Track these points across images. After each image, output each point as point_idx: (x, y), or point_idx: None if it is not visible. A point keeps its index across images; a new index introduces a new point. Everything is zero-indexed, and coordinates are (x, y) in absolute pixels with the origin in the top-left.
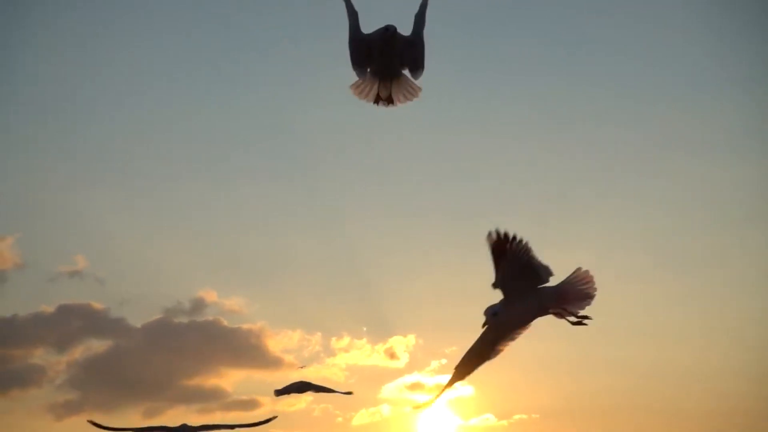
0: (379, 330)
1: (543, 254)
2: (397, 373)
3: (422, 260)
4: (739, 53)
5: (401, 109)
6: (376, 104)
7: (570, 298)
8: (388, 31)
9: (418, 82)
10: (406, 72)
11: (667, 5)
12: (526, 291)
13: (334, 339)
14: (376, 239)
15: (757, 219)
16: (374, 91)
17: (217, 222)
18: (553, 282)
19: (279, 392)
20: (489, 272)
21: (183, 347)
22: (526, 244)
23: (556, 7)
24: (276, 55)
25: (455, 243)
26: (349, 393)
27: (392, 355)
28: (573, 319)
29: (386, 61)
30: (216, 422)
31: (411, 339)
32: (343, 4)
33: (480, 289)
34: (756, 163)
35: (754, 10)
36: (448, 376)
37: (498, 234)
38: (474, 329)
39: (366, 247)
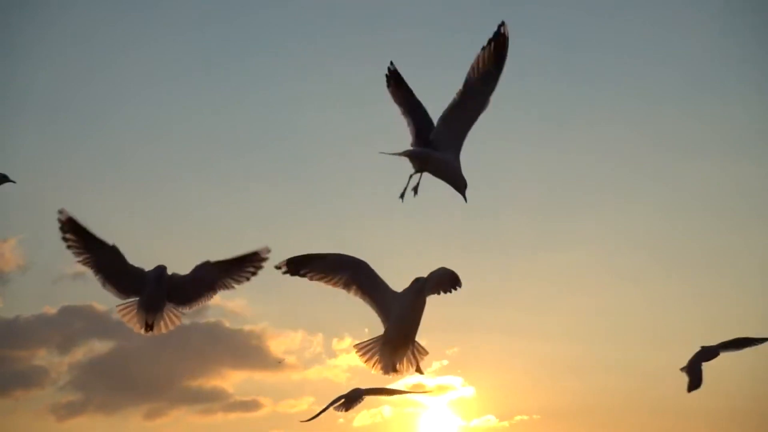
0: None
1: (543, 254)
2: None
3: (423, 261)
4: (740, 52)
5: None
6: None
7: None
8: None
9: None
10: None
11: (667, 5)
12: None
13: (335, 340)
14: (377, 240)
15: (759, 218)
16: None
17: (218, 223)
18: None
19: None
20: (490, 274)
21: (185, 349)
22: None
23: (557, 7)
24: (277, 55)
25: (456, 243)
26: None
27: None
28: None
29: None
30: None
31: None
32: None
33: (481, 290)
34: (758, 161)
35: (755, 9)
36: (450, 378)
37: None
38: (474, 330)
39: (367, 247)
